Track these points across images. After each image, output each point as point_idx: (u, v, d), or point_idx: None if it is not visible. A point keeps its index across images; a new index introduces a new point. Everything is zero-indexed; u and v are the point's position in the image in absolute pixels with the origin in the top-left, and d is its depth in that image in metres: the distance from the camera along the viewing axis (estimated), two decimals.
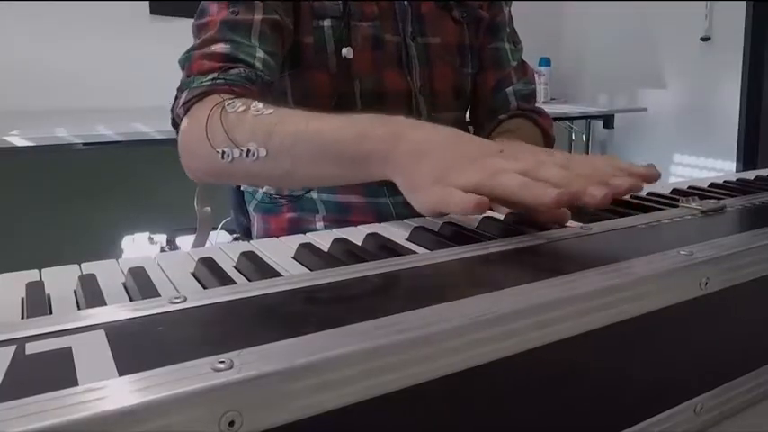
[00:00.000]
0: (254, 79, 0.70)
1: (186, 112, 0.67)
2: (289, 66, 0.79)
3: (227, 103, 0.61)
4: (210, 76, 0.68)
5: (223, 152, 0.60)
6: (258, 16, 0.73)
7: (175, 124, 0.71)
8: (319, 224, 0.84)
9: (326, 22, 0.78)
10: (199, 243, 0.96)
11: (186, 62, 0.72)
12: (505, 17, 0.94)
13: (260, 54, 0.71)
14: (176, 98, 0.71)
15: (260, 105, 0.60)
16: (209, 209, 0.90)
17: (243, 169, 0.61)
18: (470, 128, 0.98)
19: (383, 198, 0.82)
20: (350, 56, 0.78)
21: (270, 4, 0.74)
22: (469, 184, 0.46)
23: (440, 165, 0.49)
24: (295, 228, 0.85)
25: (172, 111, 0.71)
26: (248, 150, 0.58)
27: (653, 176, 0.52)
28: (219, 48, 0.70)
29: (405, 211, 0.82)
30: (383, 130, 0.53)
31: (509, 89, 0.92)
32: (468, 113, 0.98)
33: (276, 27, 0.74)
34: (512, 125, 0.89)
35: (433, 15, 0.85)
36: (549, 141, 0.92)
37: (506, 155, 0.49)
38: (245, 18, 0.72)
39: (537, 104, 0.96)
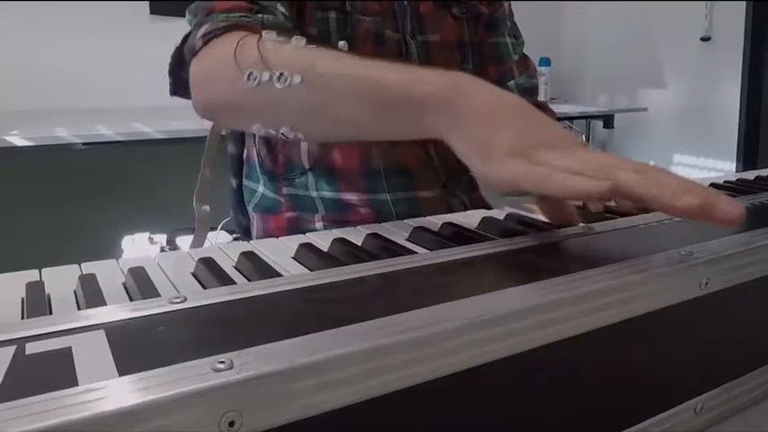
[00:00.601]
0: (283, 27, 0.63)
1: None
2: None
3: (265, 32, 0.54)
4: (239, 14, 0.60)
5: (250, 73, 0.52)
6: None
7: (179, 63, 0.62)
8: (319, 224, 0.84)
9: (332, 14, 0.78)
10: (197, 242, 0.96)
11: (195, 16, 0.63)
12: (505, 11, 0.95)
13: (281, 9, 0.67)
14: (189, 34, 0.62)
15: (302, 40, 0.53)
16: (207, 207, 0.90)
17: (268, 98, 0.53)
18: None
19: (383, 194, 0.82)
20: (345, 49, 0.78)
21: None
22: (571, 169, 0.40)
23: (523, 136, 0.43)
24: (294, 227, 0.85)
25: (180, 47, 0.63)
26: (281, 74, 0.51)
27: None
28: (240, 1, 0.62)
29: (405, 208, 0.82)
30: (443, 80, 0.46)
31: (511, 83, 0.92)
32: None
33: (288, 4, 0.71)
34: None
35: (433, 13, 0.86)
36: None
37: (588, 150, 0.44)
38: None
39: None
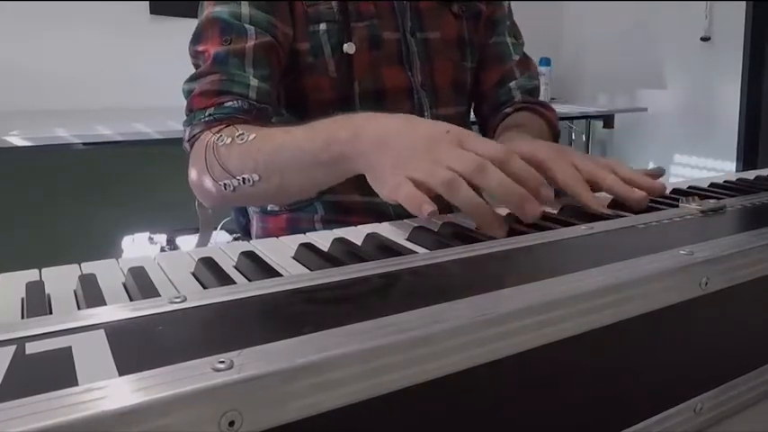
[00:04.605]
0: (247, 109, 0.73)
1: (191, 147, 0.74)
2: (285, 73, 0.80)
3: (216, 138, 0.68)
4: (208, 113, 0.72)
5: (225, 184, 0.67)
6: (250, 42, 0.74)
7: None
8: (318, 225, 0.84)
9: (322, 26, 0.78)
10: (202, 242, 0.97)
11: (187, 97, 0.75)
12: (505, 11, 0.95)
13: (253, 83, 0.74)
14: (184, 131, 0.75)
15: (243, 133, 0.66)
16: (209, 210, 0.90)
17: (246, 194, 0.67)
18: (477, 124, 0.98)
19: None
20: (351, 51, 0.78)
21: (263, 23, 0.75)
22: (420, 181, 0.50)
23: (397, 152, 0.53)
24: (293, 228, 0.85)
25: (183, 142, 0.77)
26: (244, 178, 0.65)
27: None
28: (215, 83, 0.73)
29: (403, 208, 0.82)
30: (345, 132, 0.58)
31: (512, 83, 0.93)
32: (472, 109, 0.98)
33: (269, 49, 0.75)
34: (519, 119, 0.89)
35: (432, 10, 0.85)
36: (555, 134, 0.93)
37: (453, 137, 0.52)
38: (236, 47, 0.74)
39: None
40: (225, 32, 0.74)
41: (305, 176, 0.63)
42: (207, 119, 0.72)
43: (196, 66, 0.77)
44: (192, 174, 0.73)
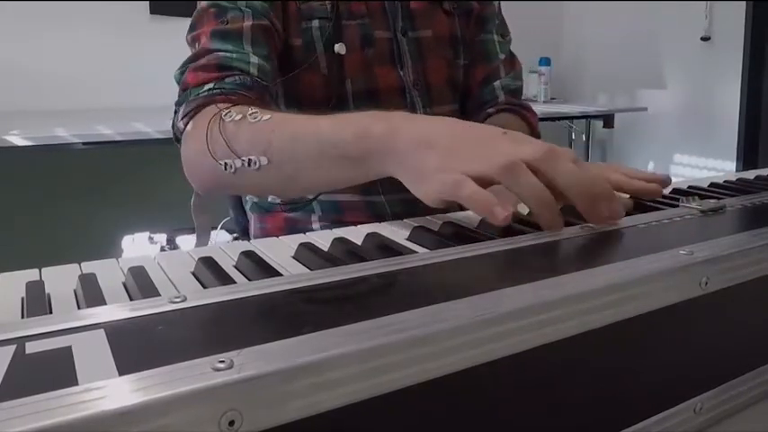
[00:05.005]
0: (250, 85, 0.69)
1: (186, 125, 0.67)
2: (279, 70, 0.80)
3: (224, 113, 0.61)
4: (207, 87, 0.68)
5: (225, 163, 0.60)
6: (248, 22, 0.72)
7: (177, 139, 0.71)
8: (315, 224, 0.84)
9: (315, 23, 0.78)
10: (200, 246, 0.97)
11: (181, 76, 0.71)
12: (494, 8, 0.94)
13: (254, 60, 0.71)
14: (175, 113, 0.71)
15: (256, 112, 0.60)
16: (205, 218, 0.90)
17: (247, 179, 0.61)
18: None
19: (377, 196, 0.82)
20: (342, 51, 0.78)
21: (258, 8, 0.74)
22: (478, 172, 0.45)
23: (444, 151, 0.47)
24: (291, 227, 0.85)
25: (173, 126, 0.71)
26: (250, 160, 0.58)
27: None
28: (213, 58, 0.70)
29: (400, 208, 0.82)
30: (381, 126, 0.51)
31: (497, 83, 0.92)
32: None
33: (267, 31, 0.74)
34: (502, 120, 0.89)
35: (424, 9, 0.85)
36: (535, 138, 0.92)
37: (511, 136, 0.48)
38: (234, 26, 0.72)
39: (525, 100, 0.97)
40: (221, 15, 0.73)
41: (321, 171, 0.57)
42: (207, 93, 0.67)
43: None
44: (189, 150, 0.67)
